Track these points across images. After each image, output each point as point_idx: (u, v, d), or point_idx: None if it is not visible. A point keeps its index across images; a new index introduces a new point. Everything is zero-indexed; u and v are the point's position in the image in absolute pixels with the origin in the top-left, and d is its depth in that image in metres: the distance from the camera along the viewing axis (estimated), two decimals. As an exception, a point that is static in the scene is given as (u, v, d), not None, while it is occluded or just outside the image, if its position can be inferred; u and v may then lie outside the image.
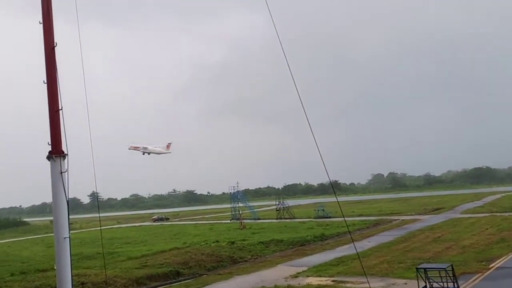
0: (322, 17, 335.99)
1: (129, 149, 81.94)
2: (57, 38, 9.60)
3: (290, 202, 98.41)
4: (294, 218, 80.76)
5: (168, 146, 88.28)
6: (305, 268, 30.94)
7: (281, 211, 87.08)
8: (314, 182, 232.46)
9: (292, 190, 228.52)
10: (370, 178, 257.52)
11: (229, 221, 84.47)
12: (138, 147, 77.65)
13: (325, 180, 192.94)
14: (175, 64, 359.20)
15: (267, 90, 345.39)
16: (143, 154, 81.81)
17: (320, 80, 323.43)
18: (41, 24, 9.34)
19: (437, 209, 77.15)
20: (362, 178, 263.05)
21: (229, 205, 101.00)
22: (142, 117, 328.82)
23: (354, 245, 30.24)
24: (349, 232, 47.17)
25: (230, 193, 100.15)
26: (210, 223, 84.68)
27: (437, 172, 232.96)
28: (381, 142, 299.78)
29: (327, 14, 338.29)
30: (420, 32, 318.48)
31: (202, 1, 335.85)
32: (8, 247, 63.25)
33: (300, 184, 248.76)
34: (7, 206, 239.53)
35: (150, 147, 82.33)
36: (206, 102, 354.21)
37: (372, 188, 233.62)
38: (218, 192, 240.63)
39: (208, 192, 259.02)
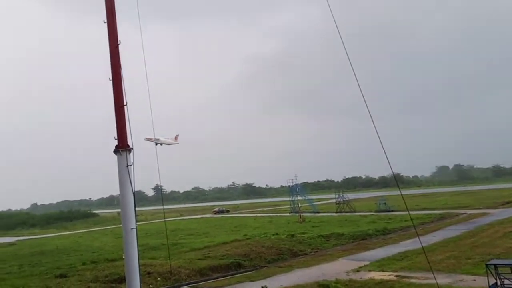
0: (382, 5, 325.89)
1: (145, 140, 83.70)
2: (120, 36, 9.97)
3: (350, 196, 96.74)
4: (354, 211, 79.35)
5: (176, 138, 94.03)
6: (367, 263, 30.36)
7: (341, 204, 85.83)
8: (375, 175, 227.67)
9: (352, 183, 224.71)
10: (435, 171, 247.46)
11: (288, 214, 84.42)
12: (151, 139, 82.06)
13: (386, 172, 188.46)
14: (233, 58, 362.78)
15: (326, 82, 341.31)
16: (156, 144, 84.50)
17: (382, 72, 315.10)
18: (105, 23, 9.73)
19: (508, 202, 72.92)
20: (426, 170, 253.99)
21: (287, 198, 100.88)
22: (201, 112, 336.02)
23: (419, 239, 29.24)
24: (414, 226, 45.70)
25: (289, 186, 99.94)
26: (269, 216, 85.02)
27: (507, 163, 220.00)
28: (445, 133, 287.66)
29: (388, 2, 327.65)
30: (487, 19, 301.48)
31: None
32: (79, 238, 66.77)
33: (360, 177, 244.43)
34: (78, 199, 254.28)
35: (162, 139, 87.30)
36: (264, 95, 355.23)
37: (436, 181, 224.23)
38: (276, 185, 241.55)
39: (266, 185, 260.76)
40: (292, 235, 45.92)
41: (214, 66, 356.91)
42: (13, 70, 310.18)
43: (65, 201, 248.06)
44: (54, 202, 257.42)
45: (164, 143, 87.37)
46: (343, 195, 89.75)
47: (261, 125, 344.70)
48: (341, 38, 10.91)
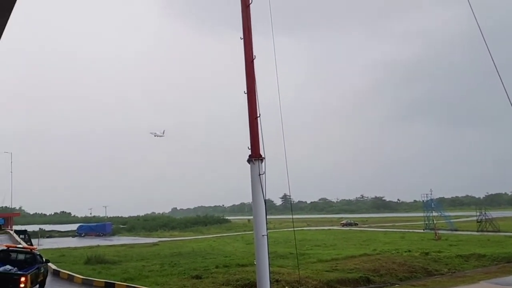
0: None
1: (150, 133, 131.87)
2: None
3: (494, 214, 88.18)
4: (499, 231, 72.26)
5: (163, 132, 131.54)
6: (513, 288, 27.32)
7: (483, 222, 78.91)
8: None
9: (496, 200, 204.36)
10: None
11: (422, 231, 79.98)
12: (153, 133, 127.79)
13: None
14: (360, 66, 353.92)
15: (468, 90, 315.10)
16: (155, 136, 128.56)
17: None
18: (242, 40, 10.28)
19: None
20: None
21: (421, 214, 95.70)
22: (330, 120, 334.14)
23: None
24: None
25: (423, 201, 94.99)
26: (401, 231, 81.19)
27: None
28: None
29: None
30: None
31: (390, 1, 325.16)
32: (213, 242, 70.39)
33: (506, 193, 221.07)
34: (212, 205, 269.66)
35: (158, 132, 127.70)
36: (397, 103, 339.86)
37: None
38: (409, 199, 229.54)
39: (398, 199, 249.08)
40: (427, 253, 43.31)
41: (343, 75, 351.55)
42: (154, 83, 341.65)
43: (201, 206, 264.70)
44: (192, 207, 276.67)
45: (158, 136, 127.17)
46: (485, 213, 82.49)
47: (393, 135, 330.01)
48: (484, 40, 10.10)
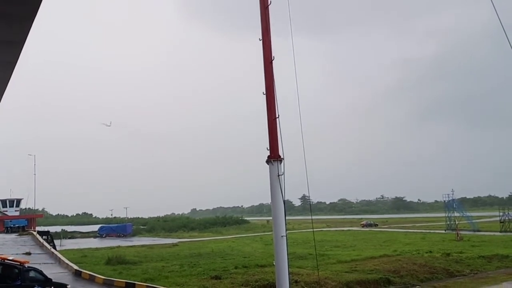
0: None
1: (102, 123, 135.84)
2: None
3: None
4: (523, 231, 71.04)
5: (110, 123, 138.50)
6: (538, 290, 26.77)
7: (506, 223, 77.43)
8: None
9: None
10: None
11: (443, 232, 78.96)
12: (104, 123, 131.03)
13: None
14: (381, 64, 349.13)
15: (487, 88, 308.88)
16: (107, 126, 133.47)
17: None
18: (261, 41, 10.28)
19: None
20: None
21: (442, 214, 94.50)
22: (348, 121, 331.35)
23: None
24: None
25: (444, 201, 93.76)
26: (422, 232, 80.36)
27: None
28: None
29: None
30: None
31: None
32: (232, 242, 70.56)
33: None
34: (231, 206, 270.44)
35: (107, 123, 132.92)
36: (416, 103, 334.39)
37: None
38: (430, 200, 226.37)
39: (418, 200, 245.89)
40: (448, 254, 42.78)
41: (364, 75, 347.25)
42: (175, 87, 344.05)
43: (220, 207, 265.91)
44: (211, 208, 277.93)
45: (107, 126, 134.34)
46: (508, 213, 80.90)
47: (414, 134, 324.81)
48: (507, 37, 9.96)
